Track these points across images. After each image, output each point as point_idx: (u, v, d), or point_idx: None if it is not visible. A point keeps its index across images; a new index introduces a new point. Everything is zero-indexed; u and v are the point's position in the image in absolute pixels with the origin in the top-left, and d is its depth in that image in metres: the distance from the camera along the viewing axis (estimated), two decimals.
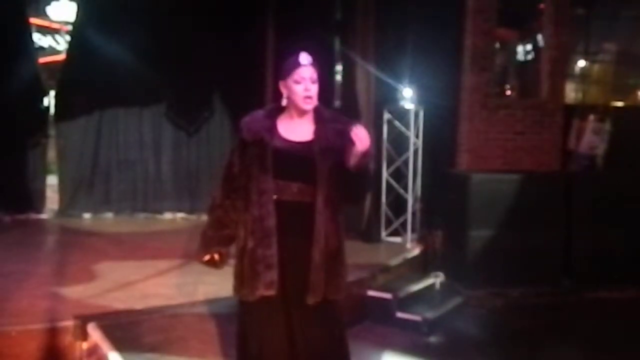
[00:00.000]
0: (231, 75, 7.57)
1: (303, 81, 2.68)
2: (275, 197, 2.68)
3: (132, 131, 7.82)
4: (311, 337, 2.74)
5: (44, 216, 7.55)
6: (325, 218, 2.71)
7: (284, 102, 2.76)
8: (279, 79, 2.78)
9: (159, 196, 7.89)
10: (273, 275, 2.66)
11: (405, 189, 6.50)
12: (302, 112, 2.74)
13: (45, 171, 7.74)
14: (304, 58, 2.71)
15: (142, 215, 7.79)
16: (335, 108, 8.01)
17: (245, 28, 7.47)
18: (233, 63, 7.45)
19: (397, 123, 6.51)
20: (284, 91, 2.74)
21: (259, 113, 2.82)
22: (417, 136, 6.47)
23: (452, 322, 5.22)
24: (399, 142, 6.56)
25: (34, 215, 7.47)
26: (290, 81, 2.70)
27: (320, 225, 2.69)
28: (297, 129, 2.75)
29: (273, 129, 2.73)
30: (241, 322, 2.83)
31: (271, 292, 2.67)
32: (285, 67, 2.75)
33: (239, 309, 2.83)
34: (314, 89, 2.70)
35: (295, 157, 2.70)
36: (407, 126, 6.44)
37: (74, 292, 4.41)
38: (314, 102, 2.73)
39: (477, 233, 5.88)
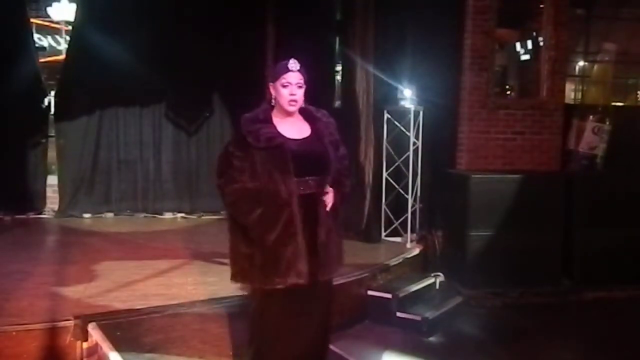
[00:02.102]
0: (231, 75, 7.57)
1: (290, 85, 2.94)
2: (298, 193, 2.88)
3: (132, 131, 7.82)
4: (309, 312, 3.02)
5: (44, 216, 7.55)
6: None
7: (272, 103, 3.02)
8: (269, 82, 3.04)
9: (159, 196, 7.89)
10: (302, 265, 2.88)
11: (405, 189, 6.50)
12: (288, 113, 3.00)
13: (45, 171, 7.74)
14: (293, 65, 2.96)
15: (142, 215, 7.79)
16: (336, 107, 8.03)
17: (245, 28, 7.47)
18: (233, 63, 7.45)
19: (397, 123, 6.51)
20: (273, 92, 3.01)
21: (256, 117, 2.99)
22: (416, 136, 6.47)
23: (451, 322, 5.22)
24: (399, 142, 6.55)
25: (34, 215, 7.48)
26: (278, 84, 2.96)
27: (324, 209, 2.95)
28: (293, 128, 3.00)
29: (280, 133, 2.93)
30: (261, 312, 3.01)
31: (301, 281, 2.88)
32: (275, 71, 3.01)
33: (258, 300, 3.01)
34: (299, 93, 2.97)
35: (308, 153, 2.93)
36: (407, 126, 6.44)
37: (74, 292, 4.41)
38: (299, 104, 3.00)
39: (477, 233, 5.88)
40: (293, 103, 2.95)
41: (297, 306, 2.98)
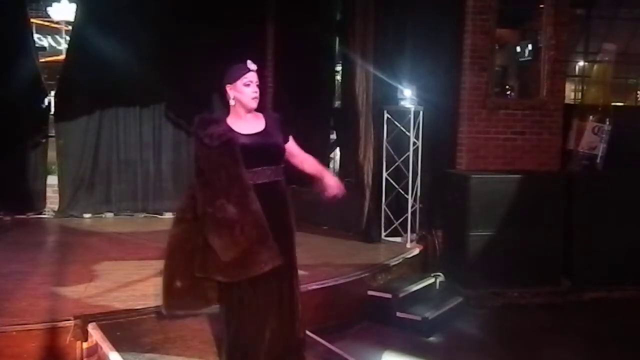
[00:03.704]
0: None
1: (251, 84, 3.12)
2: (252, 182, 3.01)
3: (132, 131, 7.81)
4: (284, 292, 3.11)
5: (44, 216, 7.55)
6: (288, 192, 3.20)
7: (232, 103, 3.15)
8: (225, 84, 3.16)
9: (159, 196, 7.88)
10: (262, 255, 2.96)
11: (405, 189, 6.50)
12: (248, 110, 3.16)
13: (45, 171, 7.73)
14: (252, 65, 3.14)
15: (142, 215, 7.79)
16: (336, 107, 8.02)
17: (246, 28, 7.46)
18: (233, 63, 7.43)
19: (397, 123, 6.51)
20: (231, 93, 3.14)
21: (211, 120, 3.20)
22: (416, 136, 6.47)
23: (451, 322, 5.23)
24: (399, 142, 6.55)
25: (34, 215, 7.47)
26: (239, 84, 3.12)
27: (280, 196, 3.15)
28: (249, 125, 3.15)
29: (231, 130, 3.10)
30: (236, 304, 3.05)
31: (266, 268, 2.94)
32: (233, 72, 3.15)
33: (235, 293, 3.03)
34: (258, 91, 3.16)
35: (261, 145, 3.10)
36: (406, 126, 6.44)
37: (74, 292, 4.42)
38: (258, 101, 3.17)
39: (477, 233, 5.89)
40: (255, 100, 3.13)
41: (258, 294, 3.03)
